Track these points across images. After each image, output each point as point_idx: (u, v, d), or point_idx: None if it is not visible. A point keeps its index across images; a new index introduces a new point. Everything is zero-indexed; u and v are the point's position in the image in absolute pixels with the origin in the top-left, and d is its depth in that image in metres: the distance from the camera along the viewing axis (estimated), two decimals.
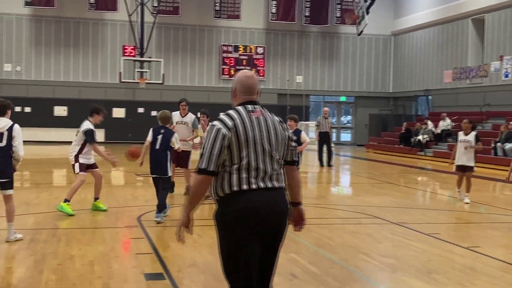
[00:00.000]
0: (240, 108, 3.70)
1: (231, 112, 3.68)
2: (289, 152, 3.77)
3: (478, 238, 8.45)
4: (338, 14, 31.68)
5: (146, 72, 26.71)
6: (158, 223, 8.58)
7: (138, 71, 26.63)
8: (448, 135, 24.54)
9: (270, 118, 3.71)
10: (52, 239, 7.51)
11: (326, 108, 20.77)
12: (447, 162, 13.65)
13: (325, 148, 19.82)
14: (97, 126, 9.56)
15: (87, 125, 9.42)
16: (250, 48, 31.24)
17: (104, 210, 9.60)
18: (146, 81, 26.51)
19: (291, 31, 31.85)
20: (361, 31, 28.89)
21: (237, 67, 30.98)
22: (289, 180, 3.79)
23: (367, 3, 28.52)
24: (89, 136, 9.32)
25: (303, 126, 26.13)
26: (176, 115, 11.24)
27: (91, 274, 5.97)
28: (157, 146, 8.95)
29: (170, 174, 9.13)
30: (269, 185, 3.60)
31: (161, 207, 8.74)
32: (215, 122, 3.64)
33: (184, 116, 11.45)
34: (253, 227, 3.53)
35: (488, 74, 25.20)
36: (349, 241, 7.82)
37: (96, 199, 9.73)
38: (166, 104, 29.95)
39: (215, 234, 3.72)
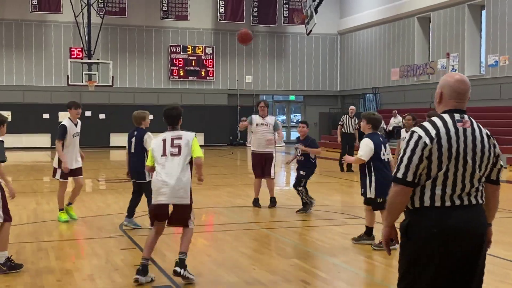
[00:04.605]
0: (446, 116, 3.33)
1: (435, 119, 3.32)
2: (495, 170, 3.45)
3: None
4: (286, 14, 31.85)
5: (94, 74, 26.02)
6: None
7: (86, 74, 25.89)
8: (400, 132, 25.02)
9: (478, 131, 3.35)
10: (39, 253, 7.15)
11: (352, 107, 17.68)
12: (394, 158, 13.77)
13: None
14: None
15: None
16: (199, 49, 30.96)
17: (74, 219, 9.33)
18: (95, 84, 25.86)
19: None
20: (310, 31, 29.09)
21: (186, 68, 30.70)
22: (489, 199, 3.47)
23: (315, 3, 28.69)
24: None
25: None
26: (256, 117, 11.07)
27: None
28: (132, 150, 8.59)
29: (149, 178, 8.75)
30: (466, 202, 3.29)
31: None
32: (416, 129, 3.29)
33: (264, 117, 11.08)
34: (443, 249, 3.22)
35: (435, 72, 25.93)
36: (342, 243, 7.82)
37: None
38: (114, 106, 29.43)
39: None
